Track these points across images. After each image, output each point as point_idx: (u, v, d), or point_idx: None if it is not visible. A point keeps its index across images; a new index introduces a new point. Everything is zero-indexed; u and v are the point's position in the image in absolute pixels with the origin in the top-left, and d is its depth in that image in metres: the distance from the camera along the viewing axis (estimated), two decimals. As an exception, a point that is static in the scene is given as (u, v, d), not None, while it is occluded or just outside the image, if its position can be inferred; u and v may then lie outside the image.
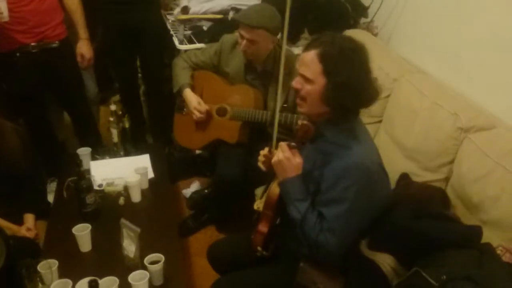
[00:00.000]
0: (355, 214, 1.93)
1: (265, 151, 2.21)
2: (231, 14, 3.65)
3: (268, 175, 2.16)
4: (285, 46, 2.04)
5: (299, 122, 2.01)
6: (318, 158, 1.99)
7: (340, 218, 1.92)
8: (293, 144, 1.98)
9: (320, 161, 1.98)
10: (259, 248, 2.10)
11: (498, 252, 1.95)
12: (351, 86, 1.84)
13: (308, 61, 1.91)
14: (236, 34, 3.08)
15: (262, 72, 3.12)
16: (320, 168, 1.96)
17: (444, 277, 1.75)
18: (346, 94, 1.85)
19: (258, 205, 2.15)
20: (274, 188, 2.06)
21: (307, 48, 1.95)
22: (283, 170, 1.99)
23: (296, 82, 1.97)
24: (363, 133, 2.02)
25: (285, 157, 1.97)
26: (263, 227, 2.08)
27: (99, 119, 4.31)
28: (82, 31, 3.58)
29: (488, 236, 2.05)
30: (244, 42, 2.96)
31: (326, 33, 1.96)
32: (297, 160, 1.99)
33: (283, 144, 2.00)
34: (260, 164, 2.24)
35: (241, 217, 2.53)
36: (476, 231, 1.99)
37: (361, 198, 1.90)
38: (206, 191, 3.70)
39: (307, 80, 1.92)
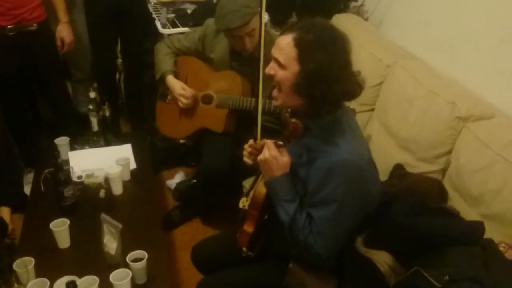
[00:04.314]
0: (345, 215, 1.85)
1: (250, 143, 2.09)
2: (216, -3, 3.54)
3: (255, 170, 2.05)
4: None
5: (288, 115, 1.90)
6: (304, 154, 1.90)
7: (329, 220, 1.84)
8: (280, 142, 1.88)
9: (306, 158, 1.89)
10: (244, 249, 2.02)
11: (501, 249, 1.91)
12: (323, 76, 1.74)
13: (283, 45, 1.81)
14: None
15: (249, 58, 3.00)
16: (306, 166, 1.87)
17: (447, 277, 1.70)
18: (316, 83, 1.75)
19: (244, 203, 2.05)
20: (261, 188, 1.97)
21: (284, 31, 1.85)
22: (270, 169, 1.90)
23: (270, 68, 1.87)
24: (351, 126, 1.91)
25: (271, 155, 1.87)
26: (248, 227, 2.00)
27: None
28: (63, 14, 3.48)
29: (489, 231, 2.00)
30: (247, 39, 2.85)
31: (307, 18, 1.85)
32: (285, 159, 1.89)
33: (269, 142, 1.90)
34: (245, 159, 2.13)
35: (228, 209, 2.45)
36: (478, 228, 1.94)
37: (350, 198, 1.82)
38: (192, 182, 3.59)
39: (280, 65, 1.82)
